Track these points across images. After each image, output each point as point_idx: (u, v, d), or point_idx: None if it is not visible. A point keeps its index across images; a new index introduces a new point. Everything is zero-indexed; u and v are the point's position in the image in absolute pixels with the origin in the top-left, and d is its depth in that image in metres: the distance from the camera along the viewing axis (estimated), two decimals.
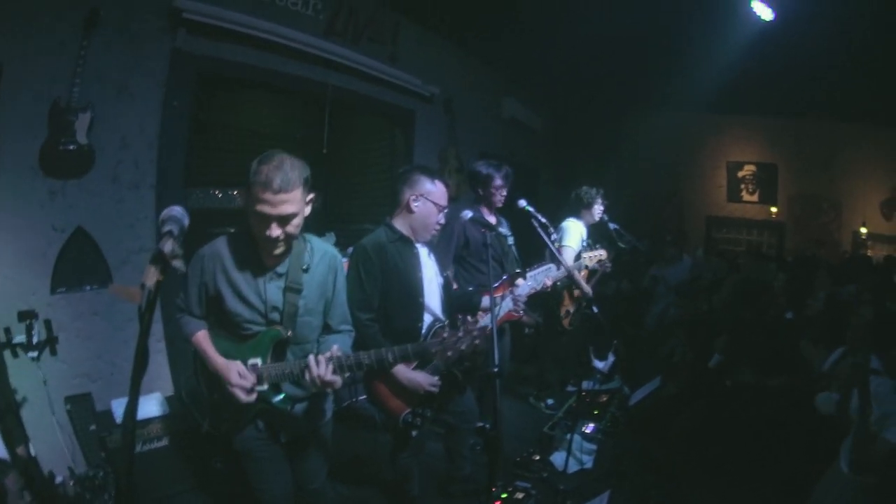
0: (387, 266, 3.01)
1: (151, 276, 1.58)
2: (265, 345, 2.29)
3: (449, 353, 2.18)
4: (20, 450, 3.28)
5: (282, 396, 2.33)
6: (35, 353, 3.50)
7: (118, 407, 3.75)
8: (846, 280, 5.96)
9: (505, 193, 4.16)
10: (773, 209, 9.79)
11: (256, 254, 2.29)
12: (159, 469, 3.69)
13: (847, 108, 8.03)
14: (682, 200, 10.25)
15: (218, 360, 2.28)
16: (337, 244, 5.61)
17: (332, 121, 5.52)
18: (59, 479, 3.50)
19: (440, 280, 3.30)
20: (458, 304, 3.48)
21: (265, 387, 2.28)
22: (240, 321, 2.29)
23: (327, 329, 2.53)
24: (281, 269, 2.31)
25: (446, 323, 3.23)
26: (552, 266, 3.66)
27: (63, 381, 3.72)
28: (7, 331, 3.44)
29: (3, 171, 3.44)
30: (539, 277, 3.59)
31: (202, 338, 2.39)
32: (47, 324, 3.59)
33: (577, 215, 5.09)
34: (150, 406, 3.81)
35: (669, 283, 6.87)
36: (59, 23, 3.57)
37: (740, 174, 9.95)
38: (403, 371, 2.99)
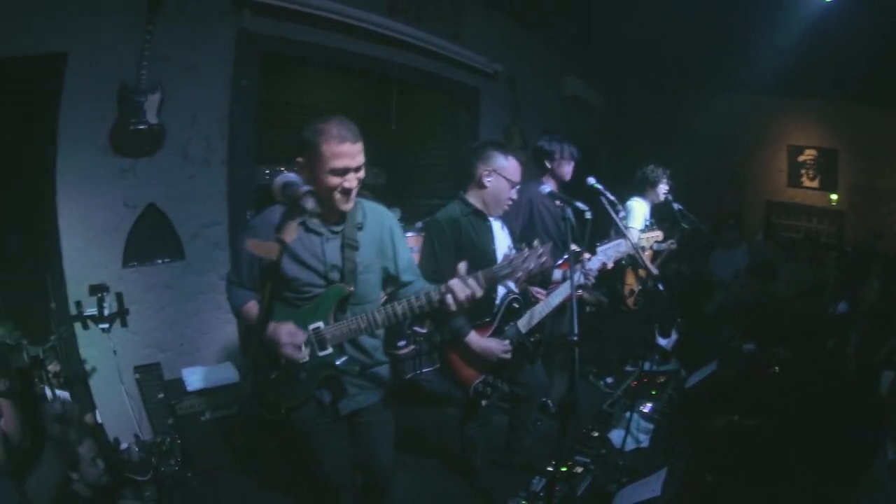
0: (460, 239, 3.08)
1: (291, 233, 1.68)
2: (327, 305, 2.28)
3: (519, 274, 2.18)
4: (87, 417, 3.44)
5: (346, 358, 2.32)
6: (106, 325, 3.66)
7: (189, 376, 3.90)
8: None
9: (571, 167, 4.17)
10: (833, 196, 9.51)
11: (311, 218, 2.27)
12: (224, 437, 3.85)
13: None
14: (743, 184, 10.04)
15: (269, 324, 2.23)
16: (402, 219, 5.69)
17: (397, 97, 5.60)
18: (124, 446, 3.67)
19: (513, 253, 3.33)
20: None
21: (329, 350, 2.26)
22: (298, 285, 2.28)
23: (400, 286, 2.53)
24: (336, 227, 2.32)
25: (519, 294, 3.29)
26: (622, 242, 3.67)
27: (133, 352, 3.90)
28: (78, 304, 3.61)
29: (74, 152, 3.58)
30: (609, 252, 3.59)
31: (252, 307, 2.40)
32: (119, 296, 3.76)
33: (642, 194, 5.07)
34: (223, 373, 3.97)
35: (729, 269, 6.81)
36: (122, 7, 3.67)
37: (801, 158, 9.66)
38: (476, 339, 3.06)
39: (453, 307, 2.12)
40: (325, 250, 2.30)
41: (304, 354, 2.22)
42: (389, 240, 2.48)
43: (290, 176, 1.83)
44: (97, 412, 3.62)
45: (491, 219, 3.26)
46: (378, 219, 2.47)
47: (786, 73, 7.18)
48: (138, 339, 3.94)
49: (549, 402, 4.63)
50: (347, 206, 2.27)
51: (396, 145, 7.37)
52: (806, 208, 9.71)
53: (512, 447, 3.90)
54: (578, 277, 3.45)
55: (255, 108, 4.48)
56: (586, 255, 3.52)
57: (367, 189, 6.16)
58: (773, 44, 6.37)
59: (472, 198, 3.22)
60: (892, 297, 4.80)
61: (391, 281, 2.52)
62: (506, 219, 3.43)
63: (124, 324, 3.83)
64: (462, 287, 2.11)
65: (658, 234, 4.52)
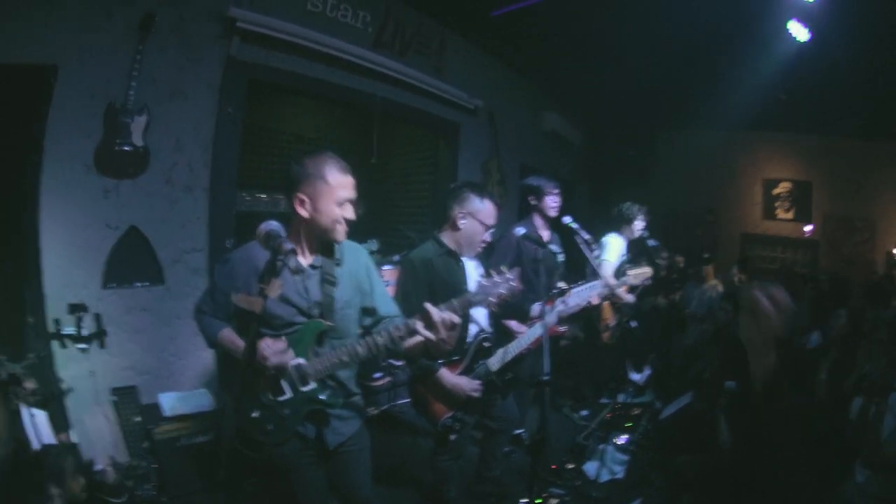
0: (433, 279, 3.12)
1: (275, 289, 1.75)
2: (307, 340, 2.29)
3: (491, 299, 2.23)
4: (62, 436, 3.39)
5: (329, 391, 2.33)
6: (84, 345, 3.64)
7: (165, 401, 3.89)
8: (881, 300, 5.90)
9: (557, 202, 4.27)
10: (807, 227, 9.71)
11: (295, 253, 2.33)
12: (199, 464, 3.80)
13: (882, 128, 7.95)
14: (718, 217, 10.20)
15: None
16: (379, 251, 5.74)
17: (379, 131, 5.66)
18: (99, 467, 3.63)
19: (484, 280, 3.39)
20: (508, 311, 3.57)
21: (312, 385, 2.28)
22: (279, 324, 2.28)
23: (377, 321, 2.54)
24: (316, 262, 2.36)
25: (491, 333, 3.36)
26: (597, 283, 3.74)
27: (110, 373, 3.85)
28: (57, 322, 3.57)
29: (58, 169, 3.56)
30: (583, 294, 3.67)
31: (228, 333, 2.40)
32: (97, 317, 3.73)
33: (618, 230, 5.20)
34: (199, 400, 3.96)
35: (703, 303, 6.90)
36: (113, 25, 3.69)
37: (775, 191, 9.87)
38: (447, 375, 3.11)
39: (430, 334, 2.14)
40: (307, 287, 2.33)
41: (291, 356, 2.24)
42: (366, 275, 2.52)
43: (273, 225, 1.89)
44: (71, 432, 3.57)
45: (464, 259, 3.32)
46: (354, 255, 2.51)
47: (760, 108, 7.38)
48: (116, 361, 3.89)
49: (522, 433, 4.67)
50: (344, 238, 2.35)
51: (377, 178, 7.42)
52: (781, 239, 9.91)
53: (482, 475, 3.91)
54: (553, 317, 3.52)
55: (239, 135, 4.50)
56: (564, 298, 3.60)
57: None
58: (748, 81, 6.54)
59: (447, 238, 3.28)
60: (859, 325, 4.91)
61: (369, 314, 2.54)
62: (482, 259, 3.50)
63: (102, 345, 3.79)
64: (437, 311, 2.14)
65: (647, 271, 4.60)
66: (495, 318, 3.52)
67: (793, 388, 4.59)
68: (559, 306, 3.59)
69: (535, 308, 3.76)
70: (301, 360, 2.27)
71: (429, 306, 2.14)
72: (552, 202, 4.25)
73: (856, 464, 3.16)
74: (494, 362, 3.36)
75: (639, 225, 5.17)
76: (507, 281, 2.23)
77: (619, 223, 5.23)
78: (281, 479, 2.50)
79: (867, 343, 4.08)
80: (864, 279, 8.09)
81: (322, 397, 2.31)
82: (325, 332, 2.33)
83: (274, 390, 2.27)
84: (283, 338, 2.25)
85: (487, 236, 3.28)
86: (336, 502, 2.65)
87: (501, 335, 3.61)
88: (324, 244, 2.39)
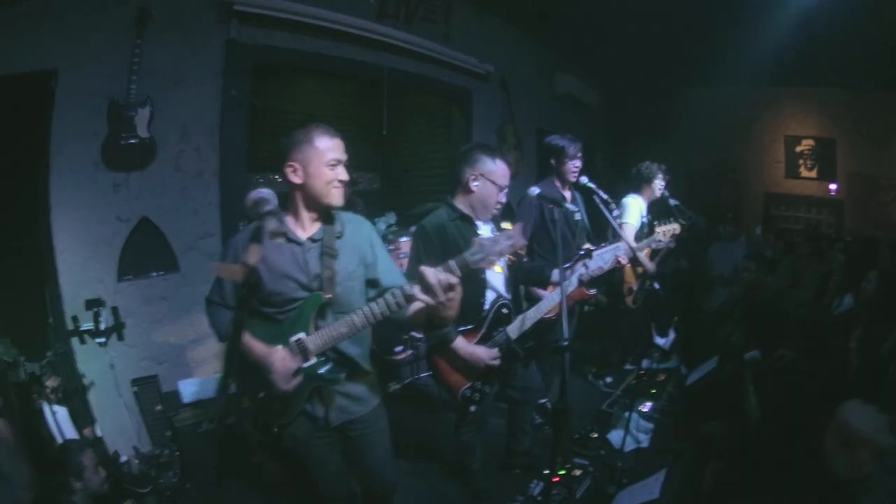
0: (447, 244, 3.01)
1: (255, 254, 1.67)
2: (307, 315, 2.25)
3: (492, 258, 2.11)
4: (87, 431, 3.47)
5: (330, 366, 2.29)
6: (103, 339, 3.69)
7: (185, 388, 3.90)
8: None
9: (579, 165, 4.10)
10: (832, 186, 9.46)
11: (292, 227, 2.33)
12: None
13: None
14: (740, 177, 10.00)
15: (258, 347, 2.23)
16: (397, 224, 5.68)
17: (389, 102, 5.56)
18: (123, 458, 3.68)
19: (506, 258, 3.28)
20: (528, 277, 3.53)
21: (313, 360, 2.25)
22: (281, 300, 2.27)
23: (381, 291, 2.41)
24: (316, 236, 2.33)
25: (509, 300, 3.27)
26: (620, 245, 3.63)
27: (130, 365, 3.90)
28: (75, 319, 3.62)
29: (67, 169, 3.60)
30: (606, 257, 3.55)
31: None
32: (115, 310, 3.77)
33: (637, 191, 5.03)
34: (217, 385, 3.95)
35: (728, 263, 6.78)
36: (110, 23, 3.69)
37: (798, 149, 9.62)
38: (464, 345, 3.03)
39: (429, 298, 2.08)
40: (307, 260, 2.30)
41: (293, 385, 2.21)
42: (369, 247, 2.46)
43: (263, 192, 1.81)
44: (96, 425, 3.63)
45: (479, 223, 3.22)
46: (356, 228, 2.47)
47: (780, 63, 7.15)
48: (135, 352, 3.94)
49: (548, 403, 4.61)
50: (341, 202, 2.31)
51: (390, 150, 7.39)
52: (804, 199, 9.66)
53: (511, 449, 3.89)
54: (574, 281, 3.42)
55: (246, 118, 4.46)
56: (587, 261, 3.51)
57: (360, 195, 6.22)
58: (767, 34, 6.34)
59: (460, 202, 3.18)
60: (890, 288, 4.77)
61: (373, 286, 2.48)
62: (499, 223, 3.40)
63: (121, 337, 3.84)
64: (433, 273, 2.07)
65: (675, 227, 4.41)
66: (514, 284, 3.42)
67: (824, 355, 4.51)
68: (580, 270, 3.47)
69: (555, 273, 3.67)
70: (301, 335, 2.24)
71: (423, 268, 2.08)
72: (573, 167, 4.09)
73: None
74: (514, 329, 3.27)
75: (659, 184, 5.00)
76: (509, 238, 2.11)
77: (638, 183, 5.06)
78: (292, 459, 2.51)
79: None
80: (891, 240, 7.89)
81: (321, 372, 2.28)
82: (326, 306, 2.29)
83: None
84: (299, 361, 2.24)
85: (502, 197, 3.16)
86: (357, 486, 2.65)
87: (522, 302, 3.52)
88: (324, 216, 2.36)
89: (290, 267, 2.27)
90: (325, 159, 2.23)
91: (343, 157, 2.28)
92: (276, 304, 2.28)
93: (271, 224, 1.75)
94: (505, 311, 3.23)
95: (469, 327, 3.12)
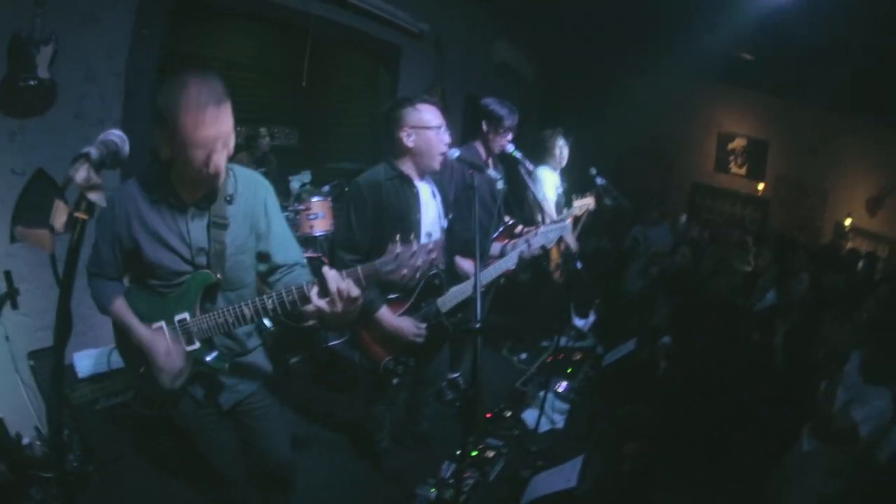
0: (380, 204, 2.82)
1: (61, 215, 1.31)
2: (192, 294, 2.01)
3: (404, 272, 1.89)
4: None
5: (215, 354, 2.07)
6: None
7: (80, 361, 3.54)
8: (827, 267, 5.92)
9: (509, 139, 3.84)
10: (760, 185, 9.75)
11: (174, 191, 1.99)
12: (120, 425, 3.52)
13: (846, 100, 7.86)
14: (670, 164, 10.21)
15: (141, 331, 1.99)
16: (312, 183, 5.40)
17: (314, 54, 5.24)
18: (26, 441, 3.35)
19: (443, 223, 3.09)
20: (464, 248, 3.33)
21: (196, 345, 2.02)
22: (163, 273, 2.01)
23: (272, 268, 2.25)
24: (203, 203, 2.02)
25: (442, 270, 3.07)
26: (567, 225, 3.45)
27: (26, 336, 3.50)
28: None
29: None
30: (551, 235, 3.35)
31: (121, 306, 2.08)
32: (7, 276, 3.35)
33: (544, 162, 4.84)
34: (116, 356, 3.55)
35: (650, 245, 6.79)
36: None
37: (730, 146, 9.89)
38: (388, 316, 2.83)
39: (324, 305, 1.84)
40: (189, 230, 2.00)
41: (179, 383, 2.00)
42: (263, 213, 2.18)
43: (112, 134, 1.48)
44: None
45: (419, 184, 2.97)
46: (251, 189, 2.15)
47: (726, 62, 7.27)
48: (30, 321, 3.53)
49: (458, 377, 4.46)
50: (217, 183, 1.97)
51: (311, 105, 7.11)
52: (731, 193, 9.94)
53: (409, 431, 3.78)
54: (514, 258, 3.26)
55: (157, 62, 4.03)
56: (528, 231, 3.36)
57: (275, 151, 5.89)
58: (718, 30, 6.31)
59: (401, 163, 2.94)
60: (821, 292, 4.90)
61: (264, 260, 2.22)
62: (440, 184, 3.18)
63: (15, 305, 3.44)
64: (335, 278, 1.82)
65: (590, 201, 4.34)
66: (448, 254, 3.21)
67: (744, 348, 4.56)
68: (522, 246, 3.29)
69: (496, 248, 3.50)
70: (185, 315, 2.01)
71: (326, 271, 1.82)
72: (505, 140, 3.86)
73: (804, 431, 3.12)
74: (445, 303, 3.06)
75: (561, 149, 4.83)
76: (428, 251, 1.91)
77: (543, 154, 4.86)
78: (186, 438, 2.32)
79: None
80: (811, 245, 8.18)
81: (207, 359, 2.05)
82: (214, 286, 2.05)
83: None
84: (184, 352, 2.01)
85: (445, 137, 2.92)
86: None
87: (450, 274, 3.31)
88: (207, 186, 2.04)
89: (171, 237, 1.99)
90: (196, 136, 1.81)
91: (224, 130, 1.86)
92: (159, 276, 2.03)
93: (79, 174, 1.35)
94: (437, 281, 3.01)
95: (396, 296, 2.91)
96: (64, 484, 2.04)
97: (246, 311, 1.95)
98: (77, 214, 1.32)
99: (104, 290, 2.11)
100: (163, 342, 1.97)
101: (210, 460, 2.36)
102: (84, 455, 3.33)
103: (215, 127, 1.80)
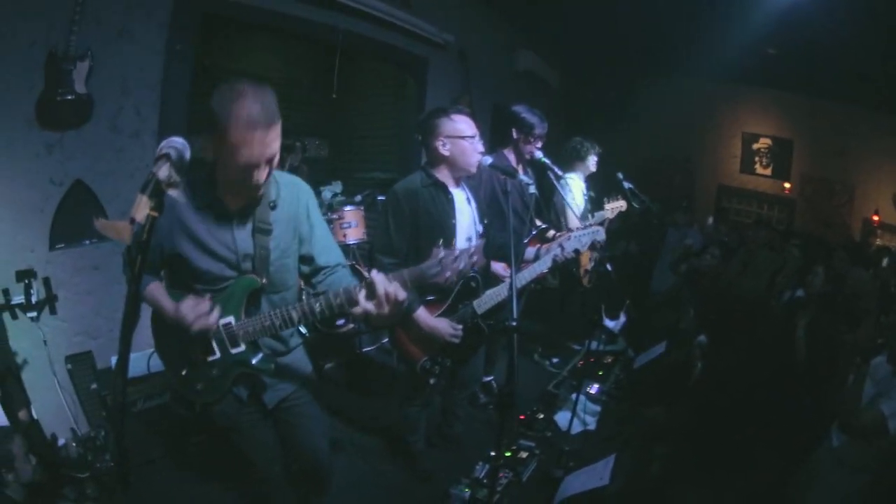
0: (417, 211, 2.92)
1: (142, 208, 1.38)
2: (237, 298, 2.06)
3: (448, 274, 1.95)
4: (22, 413, 3.22)
5: (261, 356, 2.12)
6: (34, 313, 3.39)
7: None
8: (861, 263, 5.86)
9: (539, 146, 3.95)
10: (787, 185, 9.67)
11: (219, 198, 2.03)
12: (159, 427, 3.62)
13: (870, 96, 7.79)
14: (695, 167, 10.14)
15: (170, 304, 2.00)
16: (343, 193, 5.50)
17: (343, 67, 5.34)
18: (61, 442, 3.43)
19: (479, 228, 3.18)
20: (499, 253, 3.38)
21: (242, 347, 2.06)
22: (209, 279, 2.06)
23: (315, 269, 2.30)
24: (247, 209, 2.08)
25: (477, 273, 3.13)
26: (600, 230, 3.50)
27: (64, 340, 3.63)
28: (6, 292, 3.33)
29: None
30: (584, 240, 3.39)
31: (155, 289, 2.10)
32: (46, 282, 3.48)
33: (572, 169, 4.93)
34: (154, 359, 3.64)
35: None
36: None
37: (755, 146, 9.80)
38: (425, 316, 2.89)
39: (372, 307, 1.87)
40: (235, 237, 2.06)
41: (215, 319, 1.99)
42: (305, 218, 2.24)
43: (175, 140, 1.55)
44: (31, 407, 3.35)
45: (454, 191, 3.08)
46: (294, 194, 2.21)
47: (746, 61, 7.18)
48: (68, 326, 3.66)
49: (492, 381, 4.51)
50: (259, 194, 2.04)
51: (341, 116, 7.21)
52: (757, 194, 9.86)
53: (443, 433, 3.82)
54: (548, 261, 3.30)
55: (190, 75, 4.17)
56: (561, 235, 3.41)
57: (307, 161, 5.99)
58: (736, 32, 6.31)
59: (437, 171, 3.05)
60: (838, 285, 4.86)
61: (307, 263, 2.29)
62: (475, 191, 3.26)
63: (53, 311, 3.55)
64: (383, 282, 1.86)
65: (622, 203, 4.40)
66: (485, 257, 3.29)
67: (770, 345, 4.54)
68: (555, 250, 3.33)
69: (530, 252, 3.55)
70: (230, 319, 2.05)
71: (374, 275, 1.87)
72: (535, 147, 3.95)
73: (832, 427, 3.08)
74: (481, 304, 3.13)
75: (593, 160, 4.92)
76: (471, 255, 1.98)
77: (571, 161, 4.95)
78: (224, 438, 2.35)
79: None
80: (840, 242, 8.08)
81: (253, 362, 2.10)
82: (258, 290, 2.11)
83: (202, 349, 2.06)
84: (209, 296, 2.01)
85: (478, 146, 3.03)
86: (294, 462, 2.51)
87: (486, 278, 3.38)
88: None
89: (216, 245, 2.05)
90: (242, 151, 1.84)
91: (269, 152, 1.89)
92: (205, 281, 2.07)
93: (162, 171, 1.44)
94: (473, 284, 3.09)
95: (433, 298, 2.99)
96: (123, 477, 2.09)
97: (294, 315, 2.00)
98: (149, 211, 1.41)
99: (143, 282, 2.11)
100: (185, 301, 1.95)
101: (250, 459, 2.39)
102: (121, 455, 3.45)
103: (262, 147, 1.84)
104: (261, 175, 1.90)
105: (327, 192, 5.34)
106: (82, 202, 3.67)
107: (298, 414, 2.36)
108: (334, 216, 4.82)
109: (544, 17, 7.42)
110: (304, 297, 2.08)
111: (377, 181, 5.87)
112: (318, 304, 1.97)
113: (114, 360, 3.66)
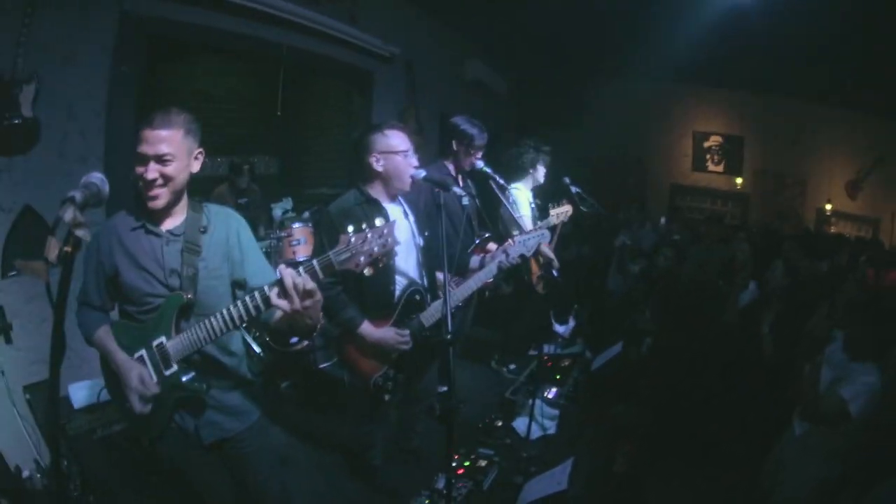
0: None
1: (53, 249, 1.47)
2: (168, 316, 2.09)
3: (361, 258, 1.90)
4: None
5: (192, 375, 2.12)
6: None
7: (76, 392, 3.58)
8: (815, 254, 5.96)
9: (479, 157, 3.95)
10: (739, 180, 9.87)
11: (150, 217, 2.15)
12: (119, 454, 3.50)
13: (816, 88, 8.05)
14: (647, 168, 10.33)
15: (119, 357, 2.10)
16: (293, 209, 5.48)
17: (288, 83, 5.37)
18: (26, 473, 3.40)
19: (418, 241, 3.19)
20: (442, 264, 3.38)
21: (174, 367, 2.08)
22: (140, 295, 2.12)
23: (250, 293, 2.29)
24: (177, 230, 2.17)
25: (423, 286, 3.16)
26: (545, 233, 3.53)
27: (21, 369, 3.57)
28: None
29: None
30: (530, 244, 3.43)
31: (103, 335, 2.20)
32: (0, 311, 3.44)
33: (519, 180, 4.86)
34: (101, 392, 3.59)
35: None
36: None
37: (706, 144, 10.00)
38: (370, 330, 2.91)
39: (285, 303, 1.87)
40: (164, 253, 2.13)
41: (146, 409, 2.04)
42: (236, 243, 2.28)
43: (93, 176, 1.69)
44: None
45: (389, 206, 3.08)
46: (224, 222, 2.29)
47: (694, 61, 7.36)
48: (23, 355, 3.59)
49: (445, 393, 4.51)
50: (158, 203, 2.08)
51: (290, 133, 7.20)
52: (710, 191, 10.05)
53: (401, 447, 3.81)
54: (493, 269, 3.35)
55: (137, 97, 4.14)
56: (508, 242, 3.44)
57: (256, 179, 5.97)
58: (683, 32, 6.44)
59: (371, 187, 3.06)
60: (798, 279, 4.95)
61: (240, 287, 2.30)
62: (413, 206, 3.27)
63: (8, 340, 3.51)
64: (290, 275, 1.86)
65: (567, 209, 4.41)
66: (428, 270, 3.30)
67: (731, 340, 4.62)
68: (500, 257, 3.39)
69: (475, 260, 3.59)
70: (163, 338, 2.08)
71: (282, 268, 1.88)
72: (475, 158, 3.95)
73: (794, 417, 3.15)
74: (428, 317, 3.14)
75: (542, 170, 4.87)
76: (380, 236, 1.93)
77: (519, 172, 4.87)
78: (180, 478, 2.32)
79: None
80: (794, 232, 8.27)
81: (184, 379, 2.10)
82: (187, 307, 2.12)
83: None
84: (156, 387, 2.06)
85: (413, 160, 3.04)
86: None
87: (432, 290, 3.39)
88: (191, 207, 2.23)
89: (146, 260, 2.12)
90: (136, 152, 2.05)
91: (153, 151, 2.03)
92: (134, 300, 2.14)
93: (67, 214, 1.55)
94: (418, 297, 3.12)
95: (379, 314, 3.01)
96: None
97: (214, 323, 2.01)
98: (65, 249, 1.52)
99: (89, 320, 2.23)
100: (136, 367, 2.05)
101: (201, 495, 2.36)
102: (83, 485, 3.34)
103: (150, 146, 2.01)
104: (149, 172, 2.02)
105: (278, 210, 5.32)
106: (33, 228, 3.61)
107: (245, 457, 2.35)
108: (283, 234, 4.80)
109: (491, 25, 7.50)
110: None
111: (325, 196, 5.83)
112: (235, 309, 1.98)
113: (70, 387, 3.60)
